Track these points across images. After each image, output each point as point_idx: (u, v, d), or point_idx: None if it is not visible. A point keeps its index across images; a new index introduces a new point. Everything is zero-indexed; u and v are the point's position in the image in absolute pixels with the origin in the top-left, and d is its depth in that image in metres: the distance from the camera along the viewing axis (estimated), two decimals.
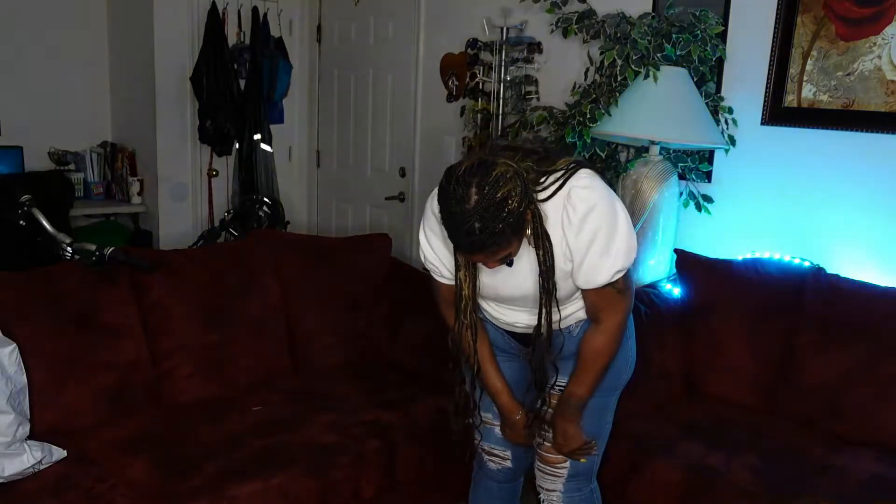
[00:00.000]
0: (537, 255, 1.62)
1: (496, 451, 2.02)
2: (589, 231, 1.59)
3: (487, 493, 2.08)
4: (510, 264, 1.67)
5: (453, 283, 1.75)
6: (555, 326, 1.72)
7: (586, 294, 1.71)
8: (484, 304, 1.84)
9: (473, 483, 2.12)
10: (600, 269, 1.62)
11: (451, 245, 1.64)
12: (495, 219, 1.46)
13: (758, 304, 2.55)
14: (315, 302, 2.82)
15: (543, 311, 1.67)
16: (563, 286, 1.68)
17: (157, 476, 1.97)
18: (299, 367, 2.74)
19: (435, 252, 1.76)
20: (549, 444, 1.90)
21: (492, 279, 1.71)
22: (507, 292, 1.73)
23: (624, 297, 1.71)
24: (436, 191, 1.63)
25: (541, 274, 1.63)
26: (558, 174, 1.60)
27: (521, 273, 1.68)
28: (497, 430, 1.99)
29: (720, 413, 2.43)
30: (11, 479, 1.88)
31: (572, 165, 1.61)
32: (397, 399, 2.49)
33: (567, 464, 1.91)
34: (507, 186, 1.47)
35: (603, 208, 1.60)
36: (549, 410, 1.87)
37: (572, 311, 1.79)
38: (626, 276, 1.68)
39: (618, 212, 1.63)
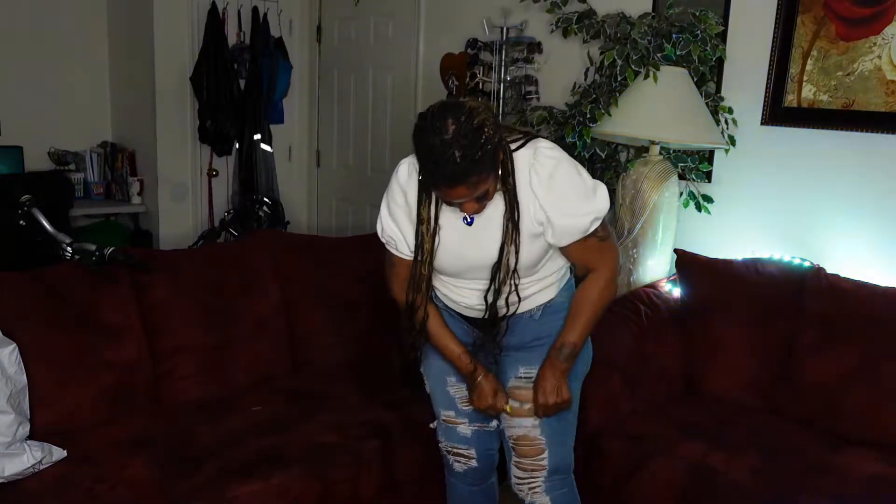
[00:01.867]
0: (504, 194, 1.63)
1: (461, 451, 2.00)
2: (560, 184, 1.64)
3: (461, 500, 2.08)
4: (470, 223, 1.68)
5: (410, 256, 1.77)
6: (519, 309, 1.75)
7: (571, 251, 1.73)
8: (440, 286, 1.84)
9: (447, 490, 2.11)
10: (578, 218, 1.66)
11: (415, 214, 1.69)
12: (473, 146, 1.50)
13: (758, 304, 2.55)
14: (315, 302, 2.82)
15: (507, 242, 1.67)
16: (529, 249, 1.69)
17: (157, 476, 1.97)
18: (299, 367, 2.74)
19: (397, 223, 1.76)
20: (520, 434, 1.87)
21: (460, 241, 1.70)
22: (474, 255, 1.72)
23: (609, 243, 1.77)
24: (401, 163, 1.72)
25: (507, 221, 1.65)
26: (518, 135, 1.68)
27: (487, 231, 1.68)
28: (460, 428, 1.97)
29: (720, 413, 2.43)
30: (11, 479, 1.88)
31: (530, 133, 1.69)
32: (397, 399, 2.48)
33: (545, 455, 1.87)
34: (481, 116, 1.52)
35: (568, 163, 1.67)
36: (516, 403, 1.86)
37: (535, 291, 1.79)
38: (605, 224, 1.73)
39: (580, 168, 1.69)
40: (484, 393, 1.86)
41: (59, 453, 1.99)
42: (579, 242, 1.70)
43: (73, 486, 1.89)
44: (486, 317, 1.78)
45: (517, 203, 1.65)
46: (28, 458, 1.90)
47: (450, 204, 1.64)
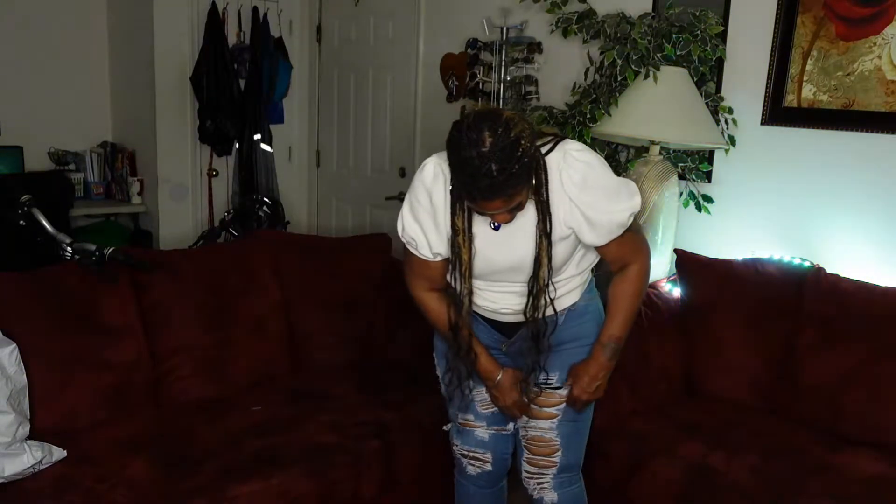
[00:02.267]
0: (537, 204, 1.62)
1: (476, 454, 1.99)
2: (595, 185, 1.64)
3: (470, 500, 2.07)
4: (497, 227, 1.67)
5: (431, 258, 1.75)
6: (548, 310, 1.74)
7: (608, 248, 1.73)
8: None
9: (456, 489, 2.11)
10: (616, 214, 1.67)
11: (441, 218, 1.67)
12: (511, 159, 1.47)
13: (758, 304, 2.55)
14: (315, 302, 2.82)
15: (542, 254, 1.66)
16: (557, 252, 1.69)
17: (157, 476, 1.97)
18: (299, 367, 2.74)
19: (419, 224, 1.73)
20: (536, 435, 1.89)
21: (488, 245, 1.70)
22: (503, 259, 1.71)
23: (641, 235, 1.80)
24: (426, 163, 1.69)
25: (540, 233, 1.64)
26: (548, 138, 1.66)
27: (519, 235, 1.67)
28: (477, 432, 1.97)
29: (720, 413, 2.43)
30: (11, 479, 1.88)
31: (557, 136, 1.68)
32: (397, 399, 2.49)
33: (558, 454, 1.89)
34: (518, 127, 1.49)
35: (599, 164, 1.66)
36: (535, 408, 1.87)
37: (561, 294, 1.78)
38: (635, 218, 1.74)
39: (608, 167, 1.69)
40: (505, 390, 1.85)
41: (59, 453, 1.99)
42: (617, 238, 1.70)
43: (73, 486, 1.89)
44: (530, 328, 1.77)
45: (550, 214, 1.64)
46: (28, 458, 1.90)
47: (481, 214, 1.63)
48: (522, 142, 1.49)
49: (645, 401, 2.45)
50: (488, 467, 2.00)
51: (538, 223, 1.64)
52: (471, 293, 1.74)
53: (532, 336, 1.77)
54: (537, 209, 1.63)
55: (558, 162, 1.62)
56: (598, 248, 1.76)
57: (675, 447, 2.21)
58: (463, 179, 1.52)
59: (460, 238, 1.67)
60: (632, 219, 1.71)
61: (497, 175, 1.47)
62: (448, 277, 1.79)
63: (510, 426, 1.98)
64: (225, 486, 1.94)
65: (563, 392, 1.85)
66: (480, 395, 1.94)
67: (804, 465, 2.10)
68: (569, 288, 1.80)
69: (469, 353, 1.81)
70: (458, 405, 1.94)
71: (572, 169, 1.62)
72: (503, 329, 1.86)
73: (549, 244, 1.65)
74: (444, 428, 2.04)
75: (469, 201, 1.59)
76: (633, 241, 1.76)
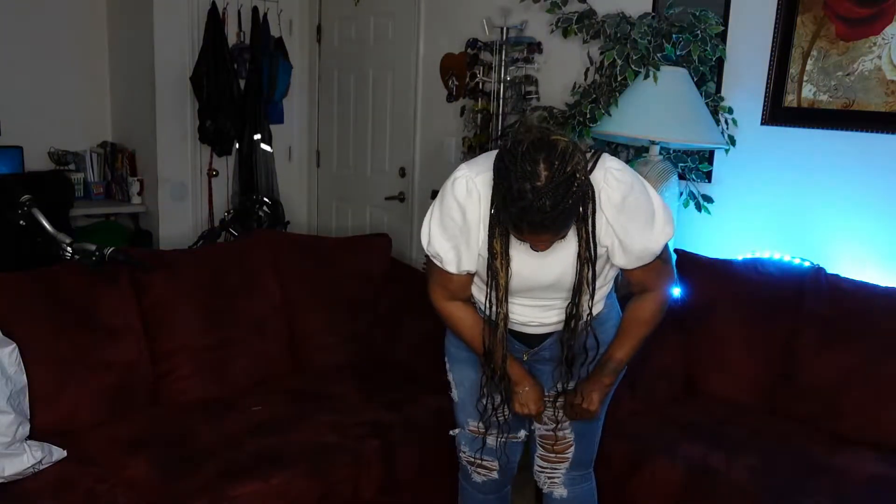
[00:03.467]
0: (582, 229, 1.56)
1: (484, 462, 1.97)
2: (632, 209, 1.58)
3: None
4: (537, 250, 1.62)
5: (457, 273, 1.69)
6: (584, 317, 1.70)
7: (633, 273, 1.69)
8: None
9: (461, 494, 2.10)
10: (650, 243, 1.63)
11: (472, 235, 1.60)
12: (566, 195, 1.41)
13: (758, 304, 2.55)
14: (315, 302, 2.82)
15: (584, 282, 1.62)
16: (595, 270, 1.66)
17: (157, 476, 1.97)
18: (299, 367, 2.74)
19: (449, 240, 1.65)
20: (550, 433, 1.91)
21: (525, 267, 1.64)
22: (539, 280, 1.66)
23: (669, 265, 1.75)
24: (456, 178, 1.60)
25: (582, 249, 1.58)
26: (588, 154, 1.57)
27: (559, 256, 1.62)
28: (487, 439, 1.94)
29: (720, 413, 2.43)
30: (11, 479, 1.88)
31: (595, 150, 1.62)
32: (397, 399, 2.49)
33: (571, 450, 1.92)
34: (573, 160, 1.42)
35: (639, 185, 1.61)
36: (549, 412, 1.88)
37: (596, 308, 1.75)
38: (666, 246, 1.70)
39: (649, 187, 1.64)
40: (529, 399, 1.81)
41: (59, 453, 1.99)
42: (643, 266, 1.67)
43: (73, 486, 1.89)
44: (566, 354, 1.73)
45: (595, 243, 1.59)
46: (28, 458, 1.90)
47: (522, 240, 1.56)
48: (578, 175, 1.42)
49: (645, 401, 2.45)
50: (494, 475, 1.99)
51: (582, 251, 1.59)
52: (506, 317, 1.68)
53: (566, 361, 1.74)
54: (580, 235, 1.58)
55: (599, 182, 1.56)
56: (624, 271, 1.73)
57: (675, 447, 2.21)
58: (512, 211, 1.44)
59: (498, 262, 1.60)
60: (664, 247, 1.67)
61: (550, 211, 1.40)
62: (477, 295, 1.77)
63: (521, 434, 1.97)
64: (225, 486, 1.94)
65: (559, 428, 1.89)
66: (494, 402, 1.89)
67: (804, 465, 2.10)
68: (596, 299, 1.76)
69: (503, 379, 1.76)
70: (497, 430, 1.88)
71: (612, 189, 1.56)
72: (527, 339, 1.83)
73: (594, 272, 1.61)
74: (452, 433, 2.01)
75: (515, 233, 1.51)
76: (659, 269, 1.71)
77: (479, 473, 2.00)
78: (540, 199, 1.40)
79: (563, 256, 1.62)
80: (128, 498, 1.88)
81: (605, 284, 1.78)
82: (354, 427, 2.29)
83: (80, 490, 1.88)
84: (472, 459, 1.98)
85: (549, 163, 1.39)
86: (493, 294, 1.65)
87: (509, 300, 1.70)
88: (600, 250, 1.63)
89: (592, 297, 1.65)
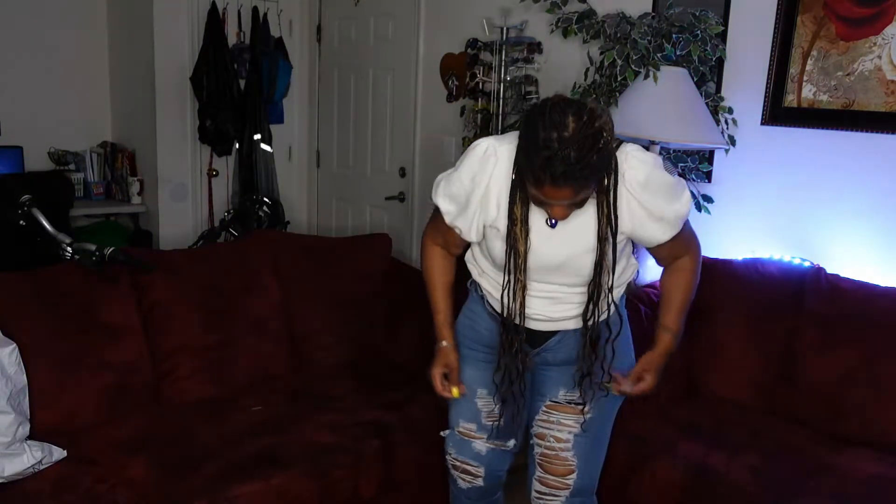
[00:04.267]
0: (603, 203, 1.58)
1: (469, 467, 1.94)
2: (657, 183, 1.61)
3: None
4: (553, 225, 1.63)
5: (449, 226, 1.72)
6: (602, 314, 1.71)
7: (663, 248, 1.71)
8: (492, 289, 1.78)
9: (451, 499, 2.07)
10: (680, 208, 1.66)
11: (474, 205, 1.63)
12: (591, 149, 1.43)
13: (758, 304, 2.55)
14: (315, 302, 2.82)
15: (605, 258, 1.63)
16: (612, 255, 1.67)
17: (157, 476, 1.97)
18: (299, 367, 2.74)
19: (451, 201, 1.69)
20: (551, 454, 1.83)
21: (541, 241, 1.64)
22: (553, 256, 1.65)
23: (692, 229, 1.79)
24: (478, 142, 1.63)
25: (603, 225, 1.60)
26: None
27: (575, 234, 1.63)
28: (476, 443, 1.91)
29: (720, 413, 2.43)
30: (11, 479, 1.88)
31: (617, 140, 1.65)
32: (397, 399, 2.49)
33: (573, 475, 1.83)
34: (602, 119, 1.45)
35: (658, 163, 1.64)
36: (541, 429, 1.84)
37: (573, 313, 1.75)
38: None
39: (661, 163, 1.68)
40: (443, 355, 1.83)
41: (59, 453, 1.99)
42: (672, 238, 1.69)
43: (73, 487, 1.89)
44: (588, 336, 1.72)
45: (616, 216, 1.60)
46: (28, 458, 1.90)
47: (539, 204, 1.56)
48: (605, 134, 1.45)
49: (645, 401, 2.44)
50: (479, 482, 1.94)
51: (603, 224, 1.60)
52: (525, 289, 1.68)
53: (590, 342, 1.72)
54: (601, 210, 1.59)
55: (621, 164, 1.59)
56: (652, 250, 1.74)
57: (675, 447, 2.21)
58: (536, 162, 1.45)
59: (518, 228, 1.61)
60: (687, 214, 1.70)
61: (574, 162, 1.42)
62: (488, 287, 1.78)
63: (511, 443, 1.93)
64: (225, 486, 1.94)
65: (586, 409, 1.80)
66: (489, 405, 1.89)
67: (804, 465, 2.10)
68: (616, 283, 1.74)
69: (519, 352, 1.75)
70: (511, 410, 1.86)
71: (635, 169, 1.58)
72: (530, 337, 1.80)
73: (615, 247, 1.62)
74: (442, 434, 2.00)
75: (534, 186, 1.50)
76: (688, 236, 1.75)
77: (463, 479, 1.96)
78: (565, 149, 1.41)
79: (579, 234, 1.63)
80: (128, 498, 1.88)
81: (618, 286, 1.76)
82: (354, 427, 2.29)
83: (80, 490, 1.88)
84: (457, 463, 1.95)
85: (578, 115, 1.43)
86: (512, 262, 1.65)
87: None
88: (620, 237, 1.64)
89: (613, 273, 1.65)
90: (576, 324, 1.75)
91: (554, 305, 1.74)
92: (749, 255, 2.73)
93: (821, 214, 2.70)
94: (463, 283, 1.92)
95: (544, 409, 1.84)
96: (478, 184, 1.64)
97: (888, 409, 2.24)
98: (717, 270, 2.67)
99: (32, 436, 2.01)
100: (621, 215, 1.61)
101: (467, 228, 1.71)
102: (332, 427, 2.27)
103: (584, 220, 1.62)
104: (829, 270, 2.53)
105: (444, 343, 1.84)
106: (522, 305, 1.70)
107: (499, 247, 1.68)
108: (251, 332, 2.63)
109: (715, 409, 2.47)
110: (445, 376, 1.85)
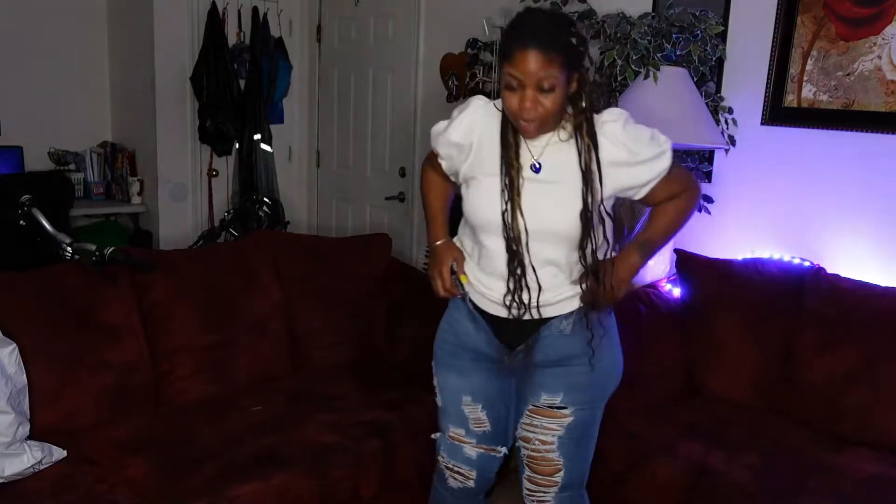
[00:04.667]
0: (578, 137, 1.63)
1: (461, 470, 1.94)
2: (633, 128, 1.66)
3: None
4: (538, 170, 1.66)
5: (439, 156, 1.80)
6: (551, 311, 1.72)
7: (658, 189, 1.69)
8: (470, 271, 1.80)
9: (432, 493, 2.06)
10: (661, 146, 1.67)
11: (464, 153, 1.71)
12: (561, 24, 1.56)
13: (758, 304, 2.55)
14: (315, 302, 2.82)
15: (587, 208, 1.64)
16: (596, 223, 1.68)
17: (157, 476, 1.97)
18: (299, 367, 2.74)
19: (441, 147, 1.78)
20: (537, 455, 1.83)
21: (534, 195, 1.66)
22: (551, 209, 1.66)
23: (688, 174, 1.81)
24: (478, 97, 1.75)
25: (585, 156, 1.63)
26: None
27: (561, 190, 1.65)
28: (466, 448, 1.92)
29: (720, 413, 2.43)
30: (11, 479, 1.88)
31: None
32: (397, 399, 2.49)
33: (561, 473, 1.83)
34: (579, 30, 1.58)
35: (629, 115, 1.69)
36: (525, 432, 1.83)
37: (566, 294, 1.73)
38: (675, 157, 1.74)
39: None
40: (439, 256, 1.84)
41: (59, 453, 1.99)
42: (666, 177, 1.68)
43: (73, 486, 1.89)
44: (510, 302, 1.70)
45: (596, 145, 1.63)
46: (28, 458, 1.90)
47: (512, 87, 1.56)
48: (576, 28, 1.56)
49: (645, 401, 2.45)
50: (471, 484, 1.95)
51: (584, 157, 1.62)
52: (522, 210, 1.66)
53: (592, 270, 1.70)
54: (579, 140, 1.62)
55: (598, 118, 1.65)
56: (647, 196, 1.72)
57: (675, 447, 2.21)
58: (509, 32, 1.56)
59: (514, 172, 1.65)
60: (673, 159, 1.70)
61: (543, 23, 1.53)
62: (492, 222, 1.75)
63: (502, 449, 1.93)
64: (225, 486, 1.94)
65: (568, 412, 1.79)
66: (475, 412, 1.89)
67: (804, 465, 2.10)
68: (574, 291, 1.74)
69: (525, 269, 1.70)
70: (497, 415, 1.88)
71: (613, 119, 1.65)
72: (505, 336, 1.79)
73: (600, 176, 1.63)
74: (433, 437, 2.01)
75: (507, 61, 1.55)
76: (681, 174, 1.74)
77: (455, 479, 1.96)
78: (534, 14, 1.58)
79: (564, 191, 1.65)
80: (128, 498, 1.88)
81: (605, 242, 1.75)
82: (354, 427, 2.29)
83: (80, 490, 1.88)
84: (451, 466, 1.96)
85: (554, 6, 1.65)
86: (509, 205, 1.65)
87: (489, 272, 1.74)
88: (606, 190, 1.66)
89: (595, 238, 1.66)
90: (553, 311, 1.73)
91: (551, 279, 1.71)
92: (749, 255, 2.73)
93: (821, 214, 2.70)
94: None
95: (527, 413, 1.83)
96: (464, 121, 1.72)
97: (888, 409, 2.24)
98: (717, 270, 2.67)
99: (32, 436, 2.01)
100: (603, 158, 1.63)
101: (451, 166, 1.79)
102: (332, 427, 2.27)
103: (565, 171, 1.64)
104: (829, 270, 2.53)
105: (442, 241, 1.87)
106: (526, 253, 1.68)
107: (482, 200, 1.70)
108: (251, 332, 2.63)
109: (715, 409, 2.47)
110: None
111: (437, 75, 3.83)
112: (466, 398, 1.89)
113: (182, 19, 4.08)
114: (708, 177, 2.95)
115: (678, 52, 2.73)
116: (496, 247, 1.71)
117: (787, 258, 2.67)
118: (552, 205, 1.67)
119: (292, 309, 2.77)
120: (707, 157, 2.93)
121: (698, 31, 2.73)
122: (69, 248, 2.35)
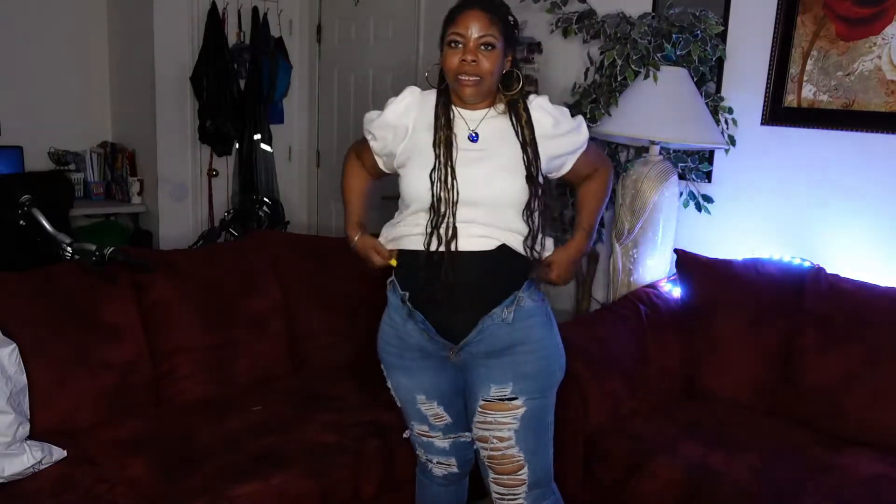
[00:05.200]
0: (515, 114, 1.73)
1: (441, 460, 1.99)
2: (557, 107, 1.80)
3: (434, 498, 2.07)
4: (475, 139, 1.73)
5: (370, 144, 1.90)
6: (470, 246, 1.72)
7: (581, 163, 1.83)
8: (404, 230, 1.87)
9: (417, 487, 2.10)
10: (580, 124, 1.81)
11: (399, 139, 1.80)
12: (501, 4, 1.69)
13: (758, 304, 2.55)
14: (315, 302, 2.82)
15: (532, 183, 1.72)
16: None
17: (157, 476, 1.97)
18: (299, 367, 2.74)
19: (373, 140, 1.89)
20: (497, 454, 1.80)
21: (469, 169, 1.70)
22: (483, 182, 1.70)
23: (601, 152, 2.01)
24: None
25: (522, 129, 1.73)
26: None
27: (501, 158, 1.72)
28: (436, 441, 1.95)
29: (720, 413, 2.43)
30: (11, 479, 1.88)
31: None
32: None
33: (524, 470, 1.80)
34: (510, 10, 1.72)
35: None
36: (481, 432, 1.81)
37: (485, 232, 1.73)
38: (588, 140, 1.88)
39: None
40: (362, 247, 2.00)
41: (59, 453, 1.99)
42: (585, 151, 1.82)
43: (73, 486, 1.89)
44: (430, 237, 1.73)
45: (529, 116, 1.73)
46: (28, 458, 1.90)
47: (453, 46, 1.67)
48: (512, 15, 1.71)
49: (645, 401, 2.45)
50: (454, 469, 2.00)
51: (522, 130, 1.72)
52: (456, 182, 1.69)
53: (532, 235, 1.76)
54: (513, 110, 1.73)
55: (529, 98, 1.76)
56: (569, 173, 1.85)
57: (675, 447, 2.21)
58: (453, 7, 1.68)
59: (442, 133, 1.71)
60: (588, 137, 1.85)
61: None
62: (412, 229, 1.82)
63: (468, 434, 1.93)
64: (225, 487, 1.94)
65: (519, 402, 1.77)
66: (432, 409, 1.90)
67: (804, 465, 2.10)
68: (506, 232, 1.74)
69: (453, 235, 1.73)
70: (454, 410, 1.91)
71: (539, 97, 1.78)
72: (449, 333, 1.77)
73: (532, 141, 1.72)
74: (405, 436, 2.04)
75: (450, 22, 1.68)
76: (595, 152, 1.89)
77: (439, 468, 2.01)
78: None
79: (501, 161, 1.72)
80: (128, 498, 1.88)
81: (515, 227, 1.76)
82: (354, 427, 2.29)
83: (80, 490, 1.88)
84: (429, 458, 2.01)
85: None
86: (442, 172, 1.69)
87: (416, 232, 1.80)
88: (542, 162, 1.75)
89: (538, 194, 1.72)
90: (472, 244, 1.72)
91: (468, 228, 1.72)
92: (749, 255, 2.73)
93: (821, 214, 2.70)
94: (382, 290, 1.97)
95: (479, 409, 1.80)
96: (406, 114, 1.82)
97: (888, 409, 2.24)
98: (717, 270, 2.67)
99: (32, 436, 2.01)
100: (535, 129, 1.73)
101: (394, 148, 1.85)
102: (332, 427, 2.27)
103: (506, 147, 1.72)
104: (829, 270, 2.53)
105: (359, 235, 2.02)
106: (454, 229, 1.70)
107: (416, 173, 1.74)
108: (251, 332, 2.62)
109: (715, 409, 2.47)
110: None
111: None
112: (420, 397, 1.90)
113: (182, 19, 4.07)
114: (708, 177, 2.95)
115: (678, 52, 2.74)
116: (426, 213, 1.76)
117: (787, 258, 2.67)
118: (490, 172, 1.72)
119: (292, 309, 2.77)
120: (707, 157, 2.93)
121: (698, 31, 2.73)
122: (69, 248, 2.35)
